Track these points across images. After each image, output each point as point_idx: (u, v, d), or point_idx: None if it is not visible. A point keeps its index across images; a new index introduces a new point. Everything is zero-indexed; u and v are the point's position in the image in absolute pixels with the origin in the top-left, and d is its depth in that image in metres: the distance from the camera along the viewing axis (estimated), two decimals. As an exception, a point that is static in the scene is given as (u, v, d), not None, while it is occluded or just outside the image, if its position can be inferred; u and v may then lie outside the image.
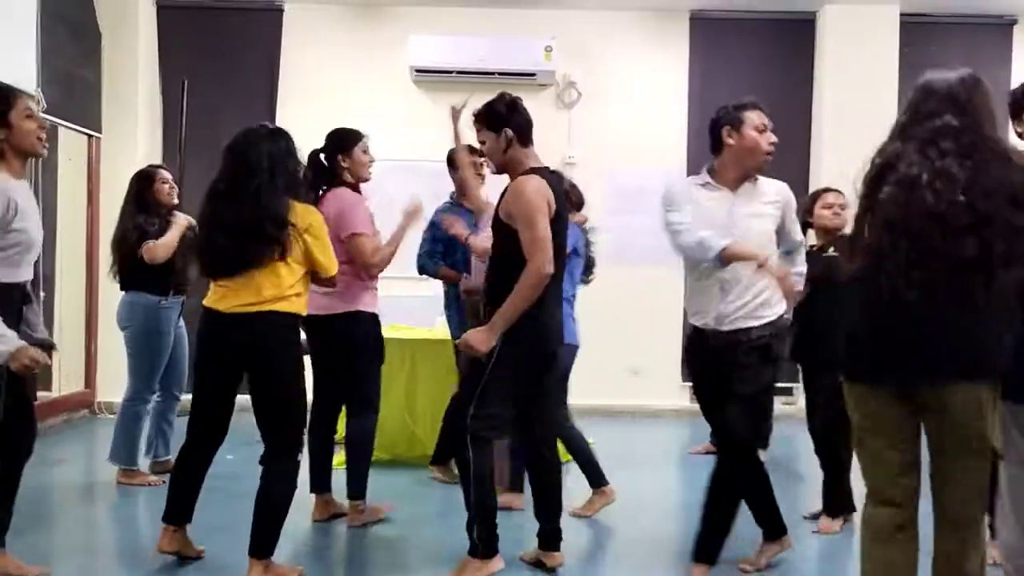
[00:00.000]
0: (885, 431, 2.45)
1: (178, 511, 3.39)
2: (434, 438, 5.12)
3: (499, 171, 3.43)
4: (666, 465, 5.83)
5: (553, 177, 3.38)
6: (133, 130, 7.03)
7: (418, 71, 7.22)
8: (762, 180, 3.38)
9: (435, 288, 6.92)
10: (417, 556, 3.79)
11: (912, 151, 2.39)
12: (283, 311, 3.20)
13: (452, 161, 4.70)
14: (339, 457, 4.31)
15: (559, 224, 3.31)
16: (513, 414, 3.33)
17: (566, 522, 3.66)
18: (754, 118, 3.30)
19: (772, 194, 3.37)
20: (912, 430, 2.45)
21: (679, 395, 7.33)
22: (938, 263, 2.30)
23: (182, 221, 4.61)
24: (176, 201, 4.77)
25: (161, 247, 4.49)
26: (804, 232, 4.18)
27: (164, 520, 3.39)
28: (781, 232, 3.39)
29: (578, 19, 7.35)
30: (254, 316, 3.16)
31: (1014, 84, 7.28)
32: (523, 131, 3.35)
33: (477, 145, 3.59)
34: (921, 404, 2.40)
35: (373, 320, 4.02)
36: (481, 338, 3.22)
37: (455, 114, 4.28)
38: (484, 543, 3.29)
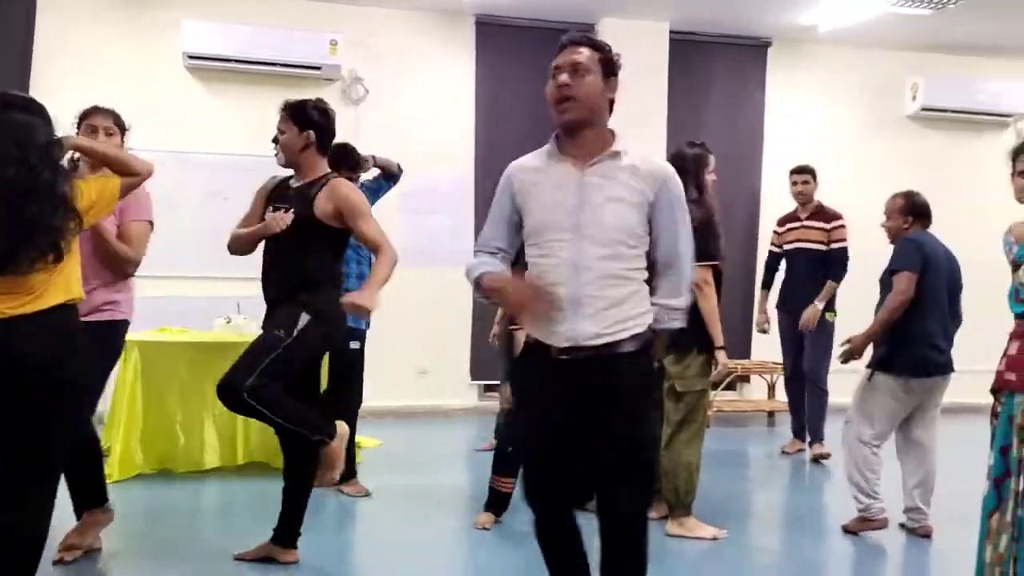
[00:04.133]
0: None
1: None
2: (204, 448, 4.96)
3: (287, 165, 3.57)
4: (455, 463, 5.85)
5: None
6: None
7: (192, 57, 6.81)
8: (636, 154, 2.52)
9: (213, 289, 6.59)
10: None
11: None
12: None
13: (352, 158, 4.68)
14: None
15: None
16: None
17: (367, 522, 3.56)
18: (557, 60, 2.52)
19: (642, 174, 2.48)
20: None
21: (467, 394, 7.46)
22: None
23: None
24: None
25: None
26: None
27: None
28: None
29: (364, 15, 7.23)
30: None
31: (768, 100, 8.10)
32: (324, 139, 3.55)
33: None
34: None
35: None
36: (368, 297, 3.25)
37: None
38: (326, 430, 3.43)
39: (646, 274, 2.51)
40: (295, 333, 3.33)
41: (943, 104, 8.09)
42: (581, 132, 2.47)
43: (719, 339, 4.03)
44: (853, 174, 7.90)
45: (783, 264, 6.27)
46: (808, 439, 6.08)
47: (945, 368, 4.20)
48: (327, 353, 4.26)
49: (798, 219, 6.14)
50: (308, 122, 3.50)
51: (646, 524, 2.51)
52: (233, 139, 6.95)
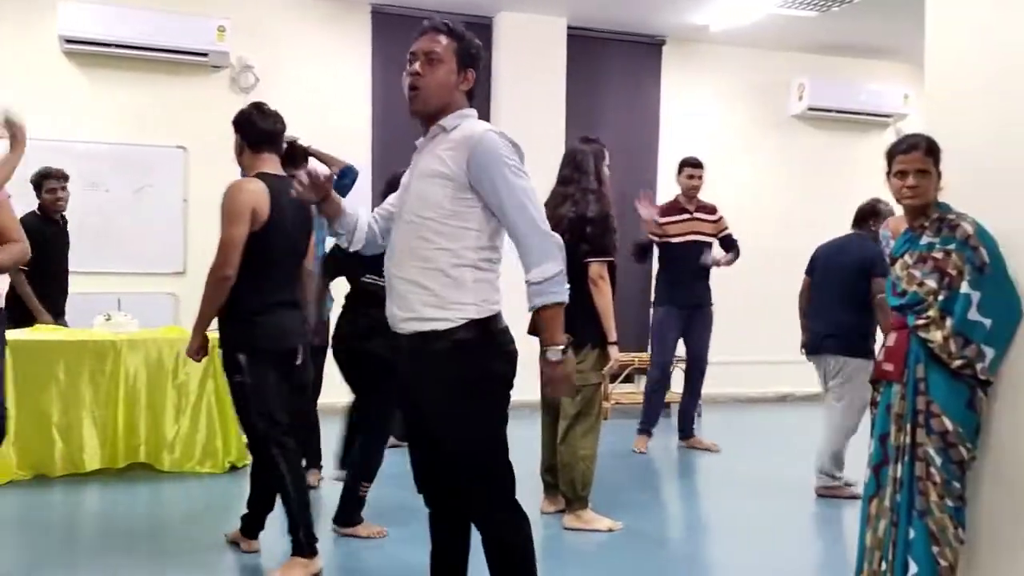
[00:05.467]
0: None
1: None
2: (84, 451, 4.74)
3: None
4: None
5: (280, 183, 3.34)
6: None
7: (69, 41, 6.45)
8: (467, 127, 2.30)
9: (92, 285, 6.27)
10: None
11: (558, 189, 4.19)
12: None
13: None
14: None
15: (273, 228, 3.28)
16: (286, 417, 3.37)
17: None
18: (414, 45, 2.47)
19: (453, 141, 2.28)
20: None
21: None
22: None
23: None
24: None
25: None
26: None
27: None
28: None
29: (254, 0, 7.00)
30: None
31: (663, 97, 8.22)
32: (252, 139, 3.43)
33: None
34: None
35: None
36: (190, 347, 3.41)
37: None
38: (309, 541, 3.34)
39: (488, 255, 2.26)
40: (245, 374, 3.30)
41: (828, 104, 8.39)
42: (432, 122, 2.33)
43: (612, 334, 4.07)
44: (742, 171, 8.12)
45: (655, 256, 6.01)
46: (685, 432, 6.15)
47: (807, 348, 4.82)
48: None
49: (687, 211, 5.88)
50: (236, 125, 3.47)
51: (502, 531, 2.27)
52: (113, 128, 6.63)
